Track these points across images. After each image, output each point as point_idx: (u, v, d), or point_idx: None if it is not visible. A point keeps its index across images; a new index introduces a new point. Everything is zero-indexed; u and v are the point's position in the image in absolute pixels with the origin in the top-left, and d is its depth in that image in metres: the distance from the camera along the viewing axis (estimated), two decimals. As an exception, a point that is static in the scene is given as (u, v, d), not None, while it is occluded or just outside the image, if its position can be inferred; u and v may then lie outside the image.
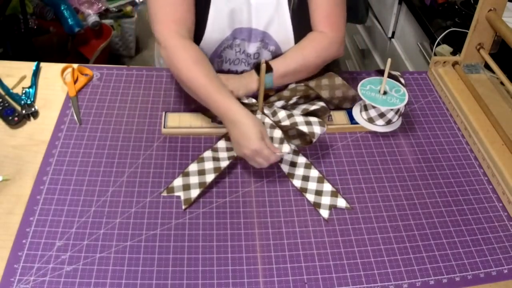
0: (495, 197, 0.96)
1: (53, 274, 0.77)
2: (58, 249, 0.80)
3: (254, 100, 1.04)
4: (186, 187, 0.91)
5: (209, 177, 0.92)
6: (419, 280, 0.81)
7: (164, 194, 0.90)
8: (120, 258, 0.80)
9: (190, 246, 0.83)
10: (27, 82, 1.11)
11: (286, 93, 1.06)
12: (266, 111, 1.02)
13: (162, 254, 0.81)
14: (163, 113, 1.05)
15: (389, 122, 1.06)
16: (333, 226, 0.88)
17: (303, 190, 0.93)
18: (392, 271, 0.82)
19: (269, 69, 1.01)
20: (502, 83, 1.15)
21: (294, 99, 1.05)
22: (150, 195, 0.90)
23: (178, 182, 0.92)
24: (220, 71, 1.12)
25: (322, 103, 1.05)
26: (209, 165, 0.94)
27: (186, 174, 0.93)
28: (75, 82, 1.11)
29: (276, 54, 1.10)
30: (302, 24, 1.09)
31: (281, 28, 1.07)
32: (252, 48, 1.09)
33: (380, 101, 1.02)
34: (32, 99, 1.06)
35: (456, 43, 1.43)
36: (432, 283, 0.81)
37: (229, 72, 1.14)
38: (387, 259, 0.83)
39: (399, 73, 1.19)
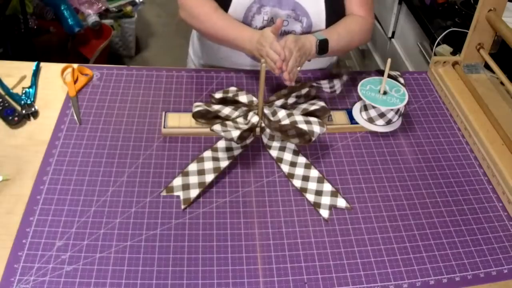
0: (495, 197, 0.96)
1: (53, 274, 0.77)
2: (58, 249, 0.80)
3: (255, 99, 1.05)
4: (186, 187, 0.91)
5: (209, 177, 0.92)
6: (419, 280, 0.81)
7: (164, 193, 0.90)
8: (120, 258, 0.80)
9: (190, 246, 0.83)
10: (27, 82, 1.11)
11: (284, 91, 1.06)
12: (266, 110, 1.02)
13: (162, 254, 0.81)
14: (163, 113, 1.05)
15: (389, 122, 1.06)
16: (333, 226, 0.88)
17: (303, 190, 0.93)
18: (392, 271, 0.82)
19: (324, 46, 1.06)
20: (502, 83, 1.15)
21: (293, 98, 1.06)
22: (150, 195, 0.90)
23: (177, 181, 0.92)
24: None
25: (322, 103, 1.05)
26: (208, 165, 0.94)
27: (186, 174, 0.93)
28: (75, 82, 1.11)
29: (308, 26, 1.13)
30: None
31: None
32: (282, 15, 1.11)
33: (380, 101, 1.02)
34: (32, 99, 1.06)
35: (456, 43, 1.43)
36: (432, 283, 0.81)
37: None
38: (387, 259, 0.83)
39: (398, 73, 1.19)
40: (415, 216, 0.91)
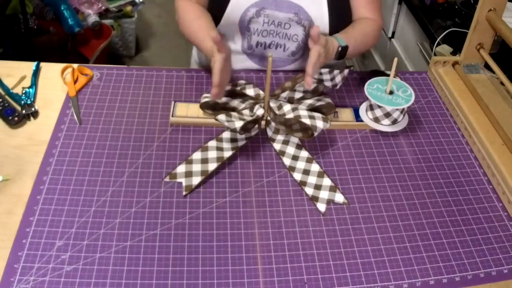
0: (495, 197, 0.96)
1: (53, 274, 0.77)
2: (58, 249, 0.80)
3: (261, 93, 1.05)
4: (188, 174, 0.92)
5: (212, 166, 0.94)
6: (419, 280, 0.81)
7: (167, 179, 0.92)
8: (120, 258, 0.80)
9: (190, 246, 0.83)
10: (27, 82, 1.11)
11: (287, 84, 1.07)
12: (272, 104, 1.03)
13: (162, 254, 0.81)
14: (173, 102, 1.06)
15: (394, 122, 1.06)
16: (333, 226, 0.88)
17: (302, 184, 0.93)
18: (392, 271, 0.82)
19: (344, 53, 1.07)
20: (502, 83, 1.15)
21: (300, 93, 1.06)
22: (150, 195, 0.90)
23: (181, 169, 0.93)
24: (249, 46, 1.16)
25: (328, 99, 1.05)
26: (212, 154, 0.96)
27: (190, 162, 0.95)
28: (75, 82, 1.11)
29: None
30: (337, 2, 1.11)
31: (316, 3, 1.10)
32: (283, 17, 1.11)
33: (386, 101, 1.02)
34: (32, 99, 1.06)
35: (456, 43, 1.43)
36: (432, 283, 0.81)
37: (257, 44, 1.16)
38: (387, 259, 0.83)
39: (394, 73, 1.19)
40: (415, 216, 0.91)
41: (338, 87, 1.10)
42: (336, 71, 1.09)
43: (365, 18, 1.17)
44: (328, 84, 1.09)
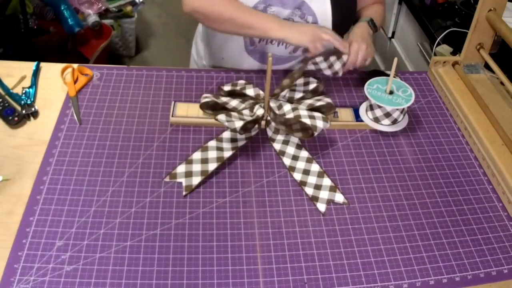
0: (495, 197, 0.96)
1: (53, 274, 0.77)
2: (58, 249, 0.80)
3: (261, 93, 1.06)
4: (188, 174, 0.92)
5: (212, 166, 0.94)
6: (419, 280, 0.81)
7: (167, 179, 0.92)
8: (120, 258, 0.80)
9: (190, 246, 0.83)
10: (27, 82, 1.11)
11: (286, 81, 1.07)
12: (272, 104, 1.03)
13: (162, 254, 0.81)
14: (173, 102, 1.06)
15: (394, 121, 1.06)
16: (333, 226, 0.88)
17: (302, 184, 0.94)
18: (392, 271, 0.82)
19: (374, 23, 1.18)
20: (502, 83, 1.15)
21: (300, 93, 1.06)
22: (150, 195, 0.90)
23: (181, 169, 0.93)
24: (252, 42, 1.16)
25: (328, 99, 1.05)
26: (212, 154, 0.96)
27: (190, 162, 0.95)
28: (75, 82, 1.11)
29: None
30: None
31: None
32: (287, 14, 1.11)
33: (386, 101, 1.02)
34: (32, 99, 1.06)
35: (456, 43, 1.43)
36: (432, 283, 0.81)
37: (260, 40, 1.16)
38: (387, 259, 0.83)
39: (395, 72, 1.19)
40: (415, 216, 0.91)
41: (340, 74, 1.09)
42: (332, 58, 1.08)
43: (372, 4, 1.22)
44: (328, 72, 1.08)
